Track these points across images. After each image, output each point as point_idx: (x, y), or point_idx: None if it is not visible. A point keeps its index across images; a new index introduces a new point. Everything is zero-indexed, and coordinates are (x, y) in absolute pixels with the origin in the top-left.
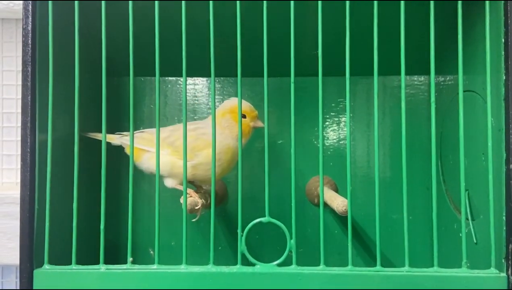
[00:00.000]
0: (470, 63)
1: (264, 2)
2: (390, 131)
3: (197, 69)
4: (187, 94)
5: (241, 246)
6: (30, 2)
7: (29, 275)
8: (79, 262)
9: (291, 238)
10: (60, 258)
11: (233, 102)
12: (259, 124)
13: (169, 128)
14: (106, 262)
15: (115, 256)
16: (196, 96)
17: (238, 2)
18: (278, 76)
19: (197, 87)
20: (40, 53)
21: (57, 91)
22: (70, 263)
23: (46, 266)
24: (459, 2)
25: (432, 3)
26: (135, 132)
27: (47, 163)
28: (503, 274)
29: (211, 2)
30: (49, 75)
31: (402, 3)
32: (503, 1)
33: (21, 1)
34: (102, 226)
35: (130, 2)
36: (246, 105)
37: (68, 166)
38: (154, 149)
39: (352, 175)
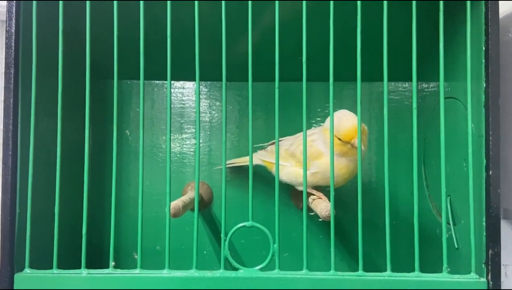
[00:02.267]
0: (452, 70)
1: (249, 2)
2: (375, 136)
3: (185, 73)
4: (175, 98)
5: (224, 251)
6: (14, 3)
7: (9, 279)
8: (62, 266)
9: (274, 242)
10: (42, 262)
11: (335, 120)
12: (355, 145)
13: (292, 137)
14: (90, 266)
15: (99, 260)
16: (183, 100)
17: (223, 2)
18: (265, 80)
19: (184, 91)
20: (24, 55)
21: (40, 93)
22: (52, 267)
23: (27, 270)
24: (441, 7)
25: (414, 5)
26: (266, 144)
27: (29, 166)
28: (483, 279)
29: (196, 2)
30: (32, 78)
31: (385, 3)
32: (484, 10)
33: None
34: (84, 230)
35: (115, 3)
36: (342, 130)
37: (51, 170)
38: (284, 163)
39: (333, 180)
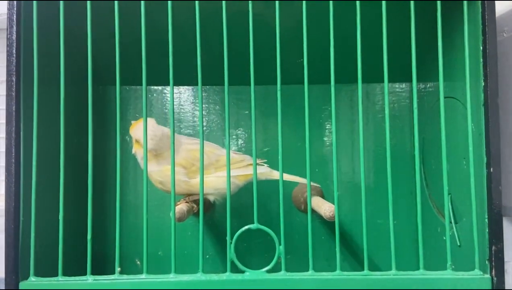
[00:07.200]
0: (450, 70)
1: (250, 3)
2: (373, 137)
3: (182, 78)
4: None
5: (230, 254)
6: (15, 12)
7: (14, 287)
8: (66, 273)
9: (279, 244)
10: (47, 270)
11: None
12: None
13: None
14: (93, 273)
15: (101, 268)
16: (181, 105)
17: (224, 2)
18: (264, 84)
19: (182, 95)
20: (25, 63)
21: (42, 100)
22: (56, 275)
23: (32, 278)
24: (438, 7)
25: (412, 6)
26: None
27: (32, 173)
28: (487, 275)
29: (196, 2)
30: (33, 85)
31: (383, 4)
32: (481, 10)
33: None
34: (89, 237)
35: (116, 4)
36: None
37: (54, 177)
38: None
39: (337, 181)
